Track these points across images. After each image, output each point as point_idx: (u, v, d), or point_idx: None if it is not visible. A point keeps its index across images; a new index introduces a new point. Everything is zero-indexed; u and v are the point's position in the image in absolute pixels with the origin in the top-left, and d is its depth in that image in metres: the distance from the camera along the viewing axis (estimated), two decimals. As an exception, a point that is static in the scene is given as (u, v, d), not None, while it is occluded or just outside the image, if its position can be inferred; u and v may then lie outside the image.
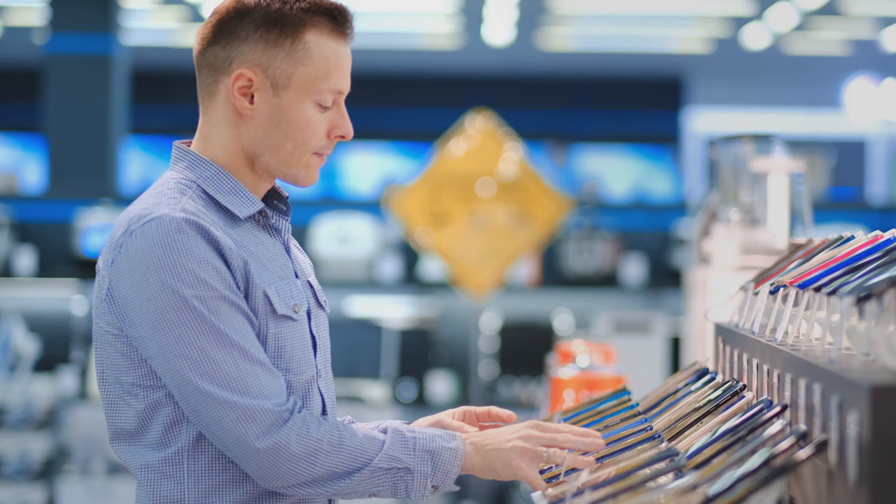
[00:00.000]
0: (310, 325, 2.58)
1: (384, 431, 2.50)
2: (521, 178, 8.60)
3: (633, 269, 9.51)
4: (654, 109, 19.03)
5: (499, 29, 15.57)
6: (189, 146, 2.59)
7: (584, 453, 2.53)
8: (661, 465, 2.34)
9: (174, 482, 2.47)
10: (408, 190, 8.59)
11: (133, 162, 16.76)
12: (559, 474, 2.53)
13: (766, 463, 2.07)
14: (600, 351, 5.41)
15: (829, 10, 14.04)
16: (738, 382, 2.61)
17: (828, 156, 13.12)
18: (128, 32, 11.51)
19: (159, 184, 2.54)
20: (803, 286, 2.46)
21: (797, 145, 11.04)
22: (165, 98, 17.17)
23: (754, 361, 2.59)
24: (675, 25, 15.57)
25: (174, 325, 2.40)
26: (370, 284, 9.33)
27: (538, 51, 17.07)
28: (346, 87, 2.56)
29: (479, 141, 8.61)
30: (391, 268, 9.37)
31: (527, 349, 9.06)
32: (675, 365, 7.43)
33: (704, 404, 2.59)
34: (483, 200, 8.56)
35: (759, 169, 4.84)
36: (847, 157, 19.27)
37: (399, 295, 9.44)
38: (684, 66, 18.62)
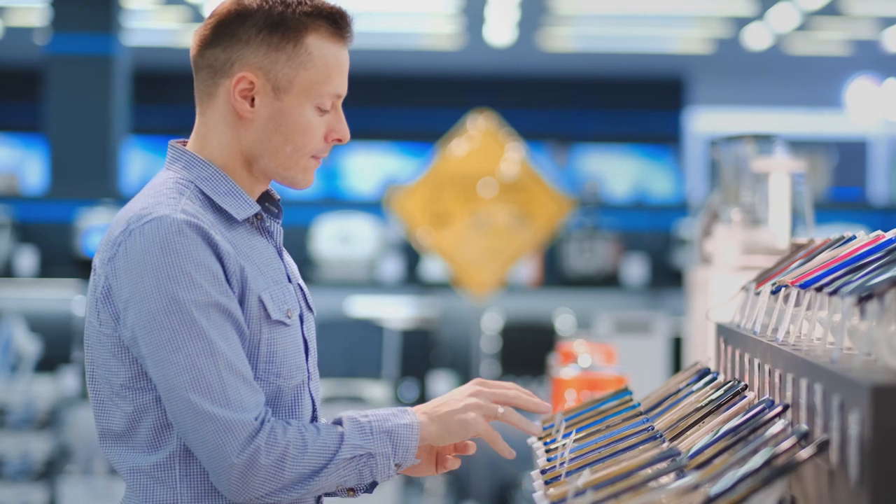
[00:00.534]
0: (302, 329, 2.58)
1: (339, 423, 2.50)
2: (523, 178, 8.60)
3: (635, 269, 9.51)
4: (655, 109, 19.04)
5: (500, 29, 15.57)
6: (185, 146, 2.58)
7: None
8: (662, 465, 2.34)
9: (167, 487, 2.47)
10: (409, 190, 8.59)
11: (134, 162, 16.76)
12: (560, 475, 2.53)
13: (767, 463, 2.07)
14: (602, 351, 5.42)
15: (830, 11, 14.04)
16: (739, 382, 2.61)
17: (829, 156, 13.12)
18: (129, 33, 11.52)
19: (157, 183, 2.53)
20: (805, 286, 2.46)
21: (798, 145, 11.05)
22: (166, 98, 17.17)
23: (756, 361, 2.59)
24: (676, 26, 15.58)
25: (165, 328, 2.40)
26: (371, 284, 9.34)
27: (539, 51, 17.08)
28: (344, 90, 2.57)
29: (481, 141, 8.62)
30: (392, 268, 9.38)
31: (528, 349, 9.05)
32: (676, 365, 7.43)
33: (706, 404, 2.59)
34: (484, 200, 8.56)
35: (760, 169, 4.84)
36: (848, 157, 19.27)
37: (400, 295, 9.44)
38: (686, 66, 18.62)
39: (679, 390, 2.84)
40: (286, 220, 2.68)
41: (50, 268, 9.39)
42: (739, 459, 2.15)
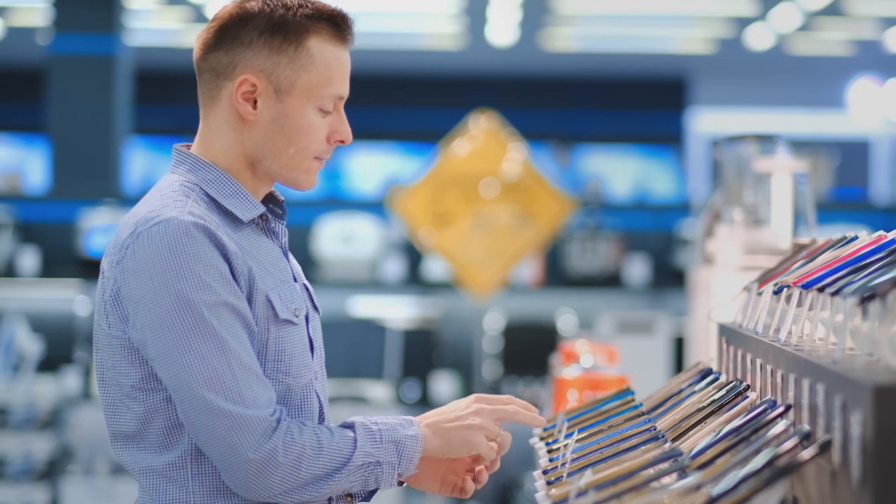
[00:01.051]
0: (308, 328, 2.59)
1: (350, 427, 2.51)
2: (525, 178, 8.60)
3: (637, 269, 9.51)
4: (657, 110, 19.04)
5: (502, 29, 15.57)
6: (189, 149, 2.60)
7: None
8: (664, 466, 2.34)
9: (179, 486, 2.48)
10: (411, 190, 8.59)
11: (136, 162, 16.76)
12: (562, 475, 2.53)
13: (769, 463, 2.07)
14: (604, 351, 5.41)
15: (832, 11, 14.04)
16: (741, 383, 2.62)
17: (831, 156, 13.11)
18: (131, 33, 11.52)
19: (162, 186, 2.55)
20: (807, 286, 2.46)
21: (801, 145, 11.04)
22: (169, 98, 17.18)
23: (758, 361, 2.59)
24: (678, 26, 15.57)
25: (175, 328, 2.41)
26: (373, 284, 9.34)
27: (542, 51, 17.08)
28: (346, 92, 2.59)
29: (483, 141, 8.62)
30: (394, 268, 9.38)
31: (530, 349, 9.05)
32: (678, 365, 7.44)
33: (708, 404, 2.60)
34: (486, 201, 8.56)
35: (762, 169, 4.84)
36: (850, 157, 19.26)
37: (402, 295, 9.44)
38: (688, 66, 18.62)
39: (681, 390, 2.84)
40: (288, 220, 2.69)
41: (52, 268, 9.39)
42: (741, 460, 2.15)
